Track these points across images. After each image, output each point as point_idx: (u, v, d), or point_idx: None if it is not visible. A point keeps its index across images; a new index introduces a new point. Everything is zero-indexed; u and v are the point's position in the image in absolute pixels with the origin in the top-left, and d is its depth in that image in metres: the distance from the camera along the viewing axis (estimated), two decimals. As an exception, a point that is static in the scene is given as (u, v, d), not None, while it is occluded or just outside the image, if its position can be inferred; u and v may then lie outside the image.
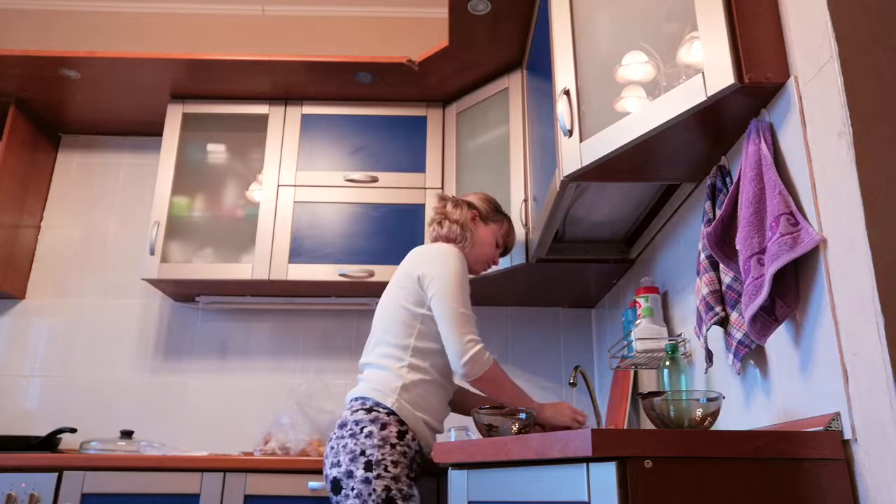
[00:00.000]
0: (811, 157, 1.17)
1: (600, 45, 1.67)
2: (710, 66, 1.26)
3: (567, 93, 1.65)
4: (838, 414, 1.07)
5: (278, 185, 2.63)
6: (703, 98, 1.27)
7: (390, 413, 1.64)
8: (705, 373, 1.61)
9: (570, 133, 1.60)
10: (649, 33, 1.53)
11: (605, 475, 1.00)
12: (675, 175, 1.64)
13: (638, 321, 1.85)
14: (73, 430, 2.46)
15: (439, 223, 1.97)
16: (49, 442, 2.39)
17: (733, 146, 1.47)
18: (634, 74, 1.54)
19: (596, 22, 1.70)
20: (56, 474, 2.00)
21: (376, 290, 2.60)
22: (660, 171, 1.61)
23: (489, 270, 2.36)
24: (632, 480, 0.97)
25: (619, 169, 1.57)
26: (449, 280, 1.73)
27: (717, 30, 1.26)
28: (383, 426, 1.61)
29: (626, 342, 1.92)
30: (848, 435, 1.04)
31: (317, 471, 1.98)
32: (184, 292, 2.72)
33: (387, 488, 1.54)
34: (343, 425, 1.65)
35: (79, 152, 3.03)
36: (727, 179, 1.45)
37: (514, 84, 2.53)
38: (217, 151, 2.80)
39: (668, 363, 1.66)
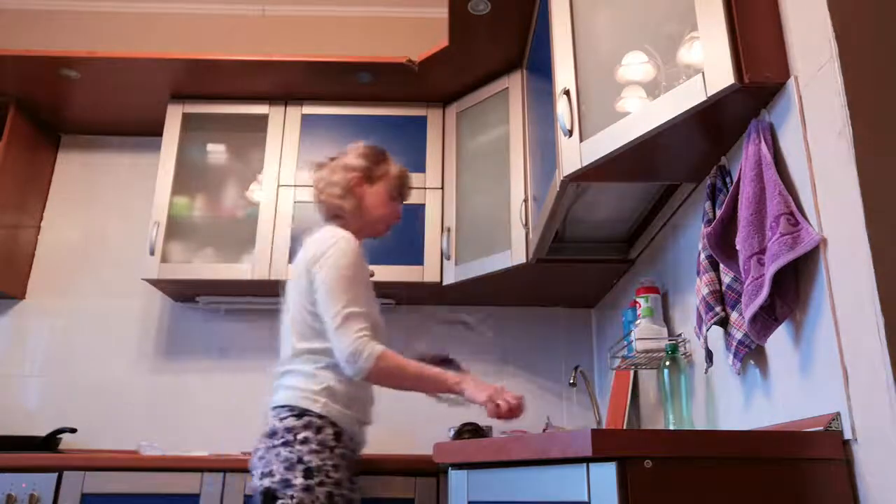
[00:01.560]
0: (811, 157, 1.17)
1: (600, 45, 1.67)
2: (710, 66, 1.26)
3: (567, 93, 1.65)
4: (838, 414, 1.06)
5: (278, 185, 2.63)
6: (703, 98, 1.27)
7: (321, 416, 1.56)
8: (705, 373, 1.61)
9: (570, 133, 1.60)
10: (649, 33, 1.53)
11: (605, 475, 1.00)
12: (675, 175, 1.64)
13: (638, 321, 1.85)
14: (73, 430, 2.46)
15: (320, 202, 1.80)
16: (49, 442, 2.39)
17: (733, 146, 1.47)
18: (634, 74, 1.54)
19: (596, 22, 1.69)
20: (56, 474, 2.00)
21: (375, 290, 2.60)
22: (660, 171, 1.61)
23: (493, 267, 2.36)
24: (632, 480, 0.97)
25: (619, 169, 1.57)
26: (328, 280, 1.60)
27: (717, 30, 1.26)
28: (318, 430, 1.54)
29: (626, 342, 1.92)
30: (848, 435, 1.04)
31: (317, 471, 1.98)
32: (184, 292, 2.72)
33: (329, 494, 1.49)
34: (273, 434, 1.56)
35: (79, 152, 3.03)
36: (727, 179, 1.45)
37: (514, 84, 2.52)
38: (217, 151, 2.80)
39: (668, 363, 1.66)
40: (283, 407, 1.59)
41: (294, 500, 1.47)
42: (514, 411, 1.56)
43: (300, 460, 1.50)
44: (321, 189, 1.79)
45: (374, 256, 2.55)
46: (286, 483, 1.48)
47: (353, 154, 1.83)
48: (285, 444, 1.53)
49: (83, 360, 2.75)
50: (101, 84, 2.67)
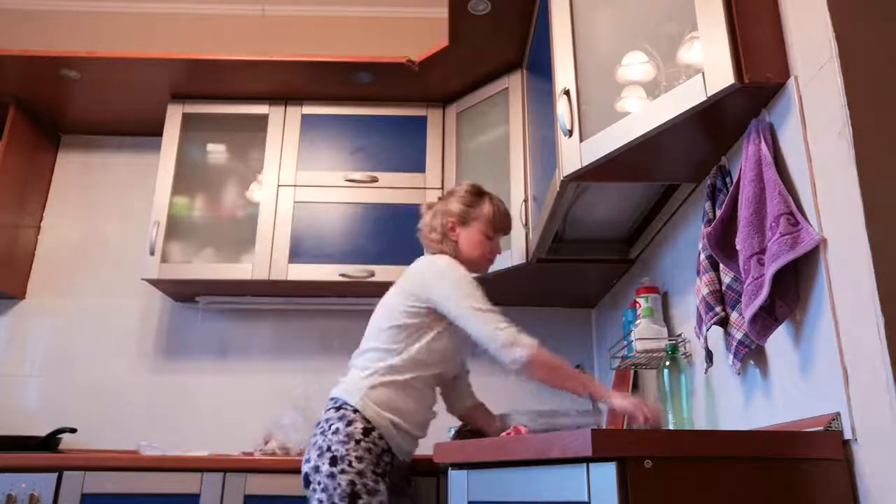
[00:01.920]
0: (811, 157, 1.17)
1: (600, 45, 1.67)
2: (710, 66, 1.26)
3: (567, 93, 1.65)
4: (838, 414, 1.06)
5: (278, 185, 2.63)
6: (703, 98, 1.27)
7: (356, 411, 1.65)
8: (705, 373, 1.60)
9: (570, 133, 1.60)
10: (649, 33, 1.53)
11: (605, 475, 1.00)
12: (675, 175, 1.64)
13: (638, 321, 1.85)
14: (73, 430, 2.46)
15: (425, 245, 1.95)
16: (49, 442, 2.39)
17: (733, 146, 1.47)
18: (634, 74, 1.54)
19: (596, 22, 1.69)
20: (56, 474, 2.00)
21: (376, 290, 2.57)
22: (660, 171, 1.61)
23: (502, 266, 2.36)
24: (632, 480, 0.97)
25: (619, 169, 1.57)
26: (461, 283, 1.73)
27: (717, 30, 1.26)
28: (349, 423, 1.63)
29: (626, 342, 1.92)
30: (848, 435, 1.04)
31: (317, 471, 1.98)
32: (184, 292, 2.72)
33: (351, 482, 1.56)
34: (317, 423, 1.69)
35: (79, 152, 3.03)
36: (727, 179, 1.45)
37: (514, 84, 2.52)
38: (217, 151, 2.80)
39: (668, 363, 1.66)
40: (331, 399, 1.72)
41: (320, 486, 1.57)
42: (656, 421, 1.60)
43: (328, 448, 1.60)
44: (425, 234, 1.94)
45: (374, 257, 2.55)
46: (316, 469, 1.60)
47: (454, 197, 1.94)
48: (322, 433, 1.64)
49: (83, 360, 2.75)
50: (101, 84, 2.67)
